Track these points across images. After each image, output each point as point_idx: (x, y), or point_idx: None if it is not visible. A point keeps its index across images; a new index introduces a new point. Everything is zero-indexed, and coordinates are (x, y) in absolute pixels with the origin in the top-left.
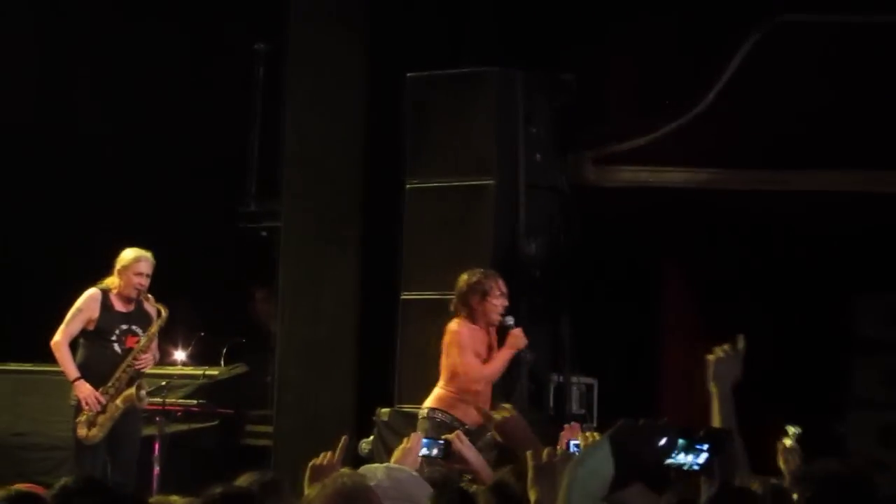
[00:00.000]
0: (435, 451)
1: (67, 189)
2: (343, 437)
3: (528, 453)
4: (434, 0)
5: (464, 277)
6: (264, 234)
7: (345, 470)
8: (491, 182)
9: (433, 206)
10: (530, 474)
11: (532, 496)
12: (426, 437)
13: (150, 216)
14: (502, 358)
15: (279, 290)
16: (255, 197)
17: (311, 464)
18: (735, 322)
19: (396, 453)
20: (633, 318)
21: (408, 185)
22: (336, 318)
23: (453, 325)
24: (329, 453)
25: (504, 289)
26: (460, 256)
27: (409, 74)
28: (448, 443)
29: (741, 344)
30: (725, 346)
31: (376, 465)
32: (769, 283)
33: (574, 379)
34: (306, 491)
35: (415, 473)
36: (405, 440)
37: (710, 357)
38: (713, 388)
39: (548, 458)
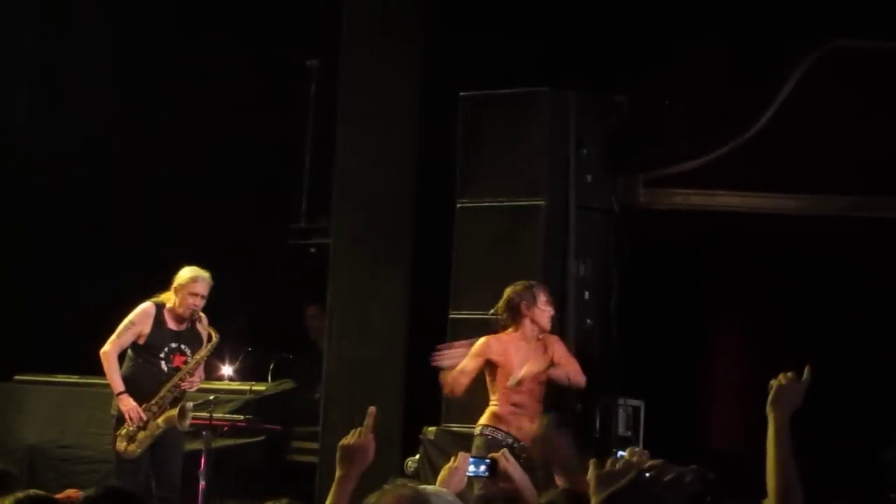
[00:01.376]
0: (482, 470)
1: (121, 204)
2: (371, 409)
3: (591, 461)
4: (489, 20)
5: (508, 290)
6: (313, 250)
7: (403, 480)
8: (542, 202)
9: (483, 225)
10: (592, 484)
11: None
12: (473, 457)
13: (201, 231)
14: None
15: (328, 307)
16: (305, 214)
17: (340, 444)
18: (783, 346)
19: (443, 472)
20: (682, 341)
21: (458, 204)
22: (385, 336)
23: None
24: (358, 430)
25: (548, 296)
26: (510, 276)
27: (461, 93)
28: (495, 461)
29: (807, 374)
30: (790, 374)
31: (427, 485)
32: (817, 307)
33: (621, 400)
34: (338, 472)
35: (455, 499)
36: (452, 459)
37: (774, 382)
38: (770, 414)
39: (610, 467)
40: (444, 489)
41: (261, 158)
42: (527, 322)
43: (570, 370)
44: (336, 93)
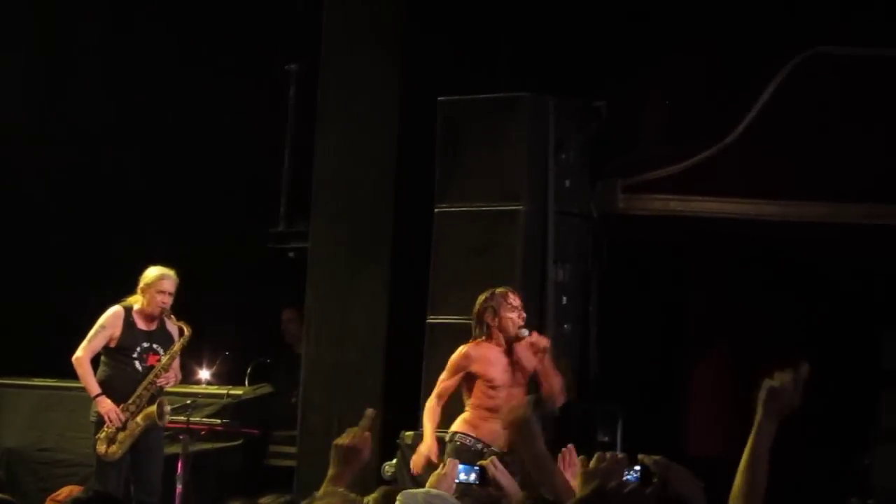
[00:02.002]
0: (472, 477)
1: (95, 208)
2: (369, 410)
3: (580, 458)
4: (468, 25)
5: (479, 299)
6: (292, 254)
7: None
8: (520, 207)
9: (462, 230)
10: (579, 479)
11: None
12: (462, 463)
13: (179, 235)
14: (426, 432)
15: (306, 311)
16: (284, 217)
17: (335, 443)
18: (762, 351)
19: (432, 478)
20: (660, 347)
21: (437, 209)
22: (363, 340)
23: (462, 346)
24: (354, 429)
25: (517, 302)
26: (488, 281)
27: (440, 98)
28: (484, 469)
29: (804, 370)
30: (786, 375)
31: (416, 489)
32: (797, 314)
33: (599, 406)
34: (330, 471)
35: (454, 499)
36: (441, 465)
37: (767, 382)
38: (759, 412)
39: (597, 464)
40: (443, 491)
41: (240, 162)
42: (495, 331)
43: (553, 387)
44: (315, 97)
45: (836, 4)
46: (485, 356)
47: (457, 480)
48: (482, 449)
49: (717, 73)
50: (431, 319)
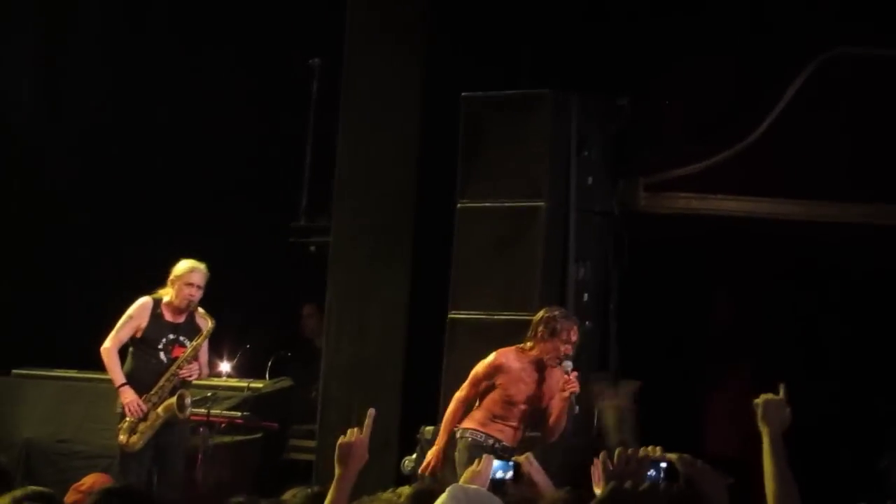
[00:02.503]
0: (507, 474)
1: (119, 199)
2: (370, 411)
3: (602, 454)
4: (491, 20)
5: (544, 308)
6: (313, 248)
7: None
8: (542, 204)
9: (484, 226)
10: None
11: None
12: (497, 460)
13: (201, 228)
14: (440, 438)
15: (327, 306)
16: (305, 212)
17: (339, 442)
18: (782, 350)
19: (466, 475)
20: (680, 345)
21: (459, 205)
22: (383, 335)
23: (496, 353)
24: (356, 429)
25: (574, 337)
26: (509, 278)
27: (463, 94)
28: (518, 465)
29: (782, 392)
30: (769, 395)
31: (466, 485)
32: (816, 312)
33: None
34: (337, 471)
35: (486, 491)
36: (476, 462)
37: (758, 400)
38: (763, 429)
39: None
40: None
41: (262, 156)
42: (539, 347)
43: (558, 426)
44: (338, 91)
45: (858, 4)
46: (514, 371)
47: (492, 477)
48: (493, 444)
49: (739, 71)
50: (452, 315)
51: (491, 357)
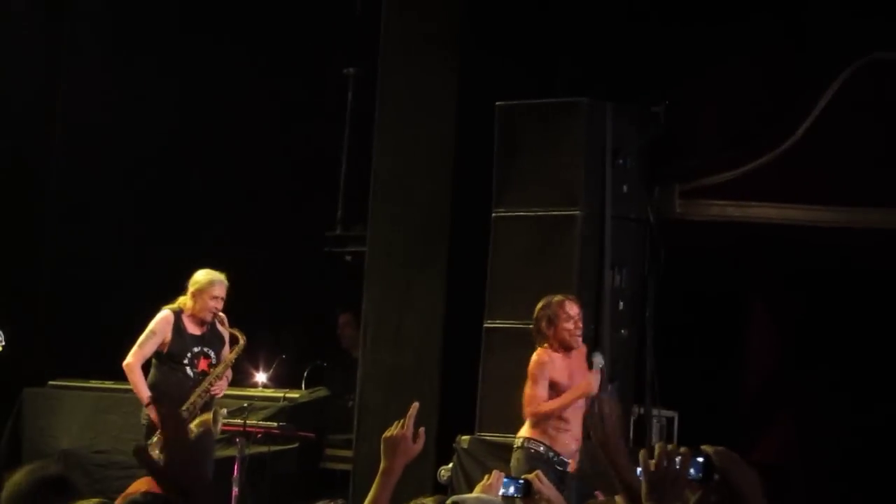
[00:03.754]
0: (515, 490)
1: (156, 211)
2: (413, 405)
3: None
4: (526, 30)
5: (537, 306)
6: (349, 258)
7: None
8: (577, 213)
9: (519, 235)
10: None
11: None
12: (507, 476)
13: (237, 238)
14: (563, 400)
15: (363, 314)
16: (341, 221)
17: (384, 437)
18: (818, 358)
19: (477, 489)
20: (716, 353)
21: (494, 214)
22: (419, 344)
23: (535, 353)
24: (400, 422)
25: (574, 311)
26: (545, 286)
27: (498, 103)
28: (529, 482)
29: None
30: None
31: (466, 495)
32: (852, 318)
33: (655, 412)
34: (382, 464)
35: (487, 497)
36: (486, 476)
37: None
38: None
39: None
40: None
41: (297, 166)
42: (551, 341)
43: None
44: (373, 101)
45: (893, 10)
46: (556, 366)
47: (501, 492)
48: (553, 457)
49: (774, 78)
50: (488, 324)
51: (534, 356)
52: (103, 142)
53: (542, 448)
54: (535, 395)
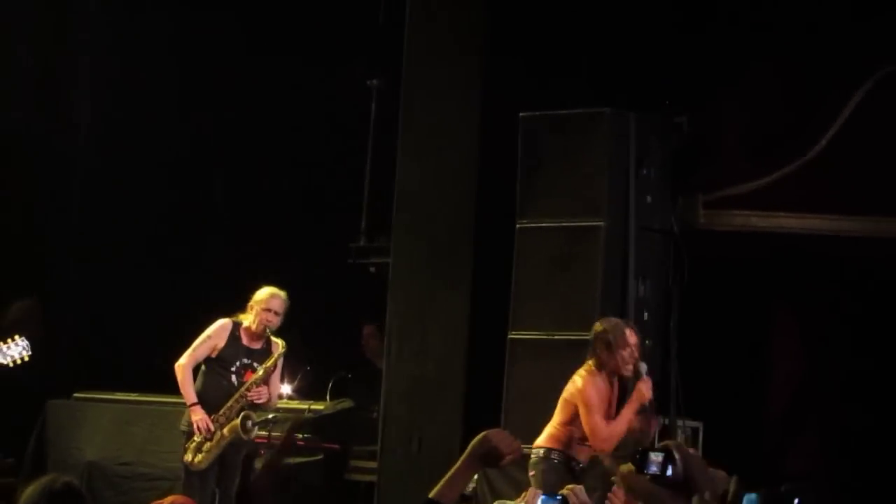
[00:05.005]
0: None
1: (182, 224)
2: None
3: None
4: (549, 41)
5: (596, 325)
6: (372, 269)
7: None
8: (601, 223)
9: (543, 245)
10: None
11: None
12: (544, 494)
13: (260, 249)
14: (626, 415)
15: (387, 326)
16: (364, 232)
17: (486, 434)
18: (843, 368)
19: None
20: (741, 363)
21: (518, 225)
22: (443, 355)
23: (579, 379)
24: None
25: (633, 340)
26: (569, 297)
27: (522, 113)
28: (565, 499)
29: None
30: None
31: (505, 501)
32: (876, 328)
33: (680, 422)
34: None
35: None
36: (521, 495)
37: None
38: None
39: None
40: None
41: (321, 176)
42: (604, 364)
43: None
44: (396, 112)
45: None
46: (599, 390)
47: None
48: (575, 467)
49: (798, 88)
50: (512, 335)
51: (578, 382)
52: (127, 156)
53: (562, 457)
54: (596, 424)
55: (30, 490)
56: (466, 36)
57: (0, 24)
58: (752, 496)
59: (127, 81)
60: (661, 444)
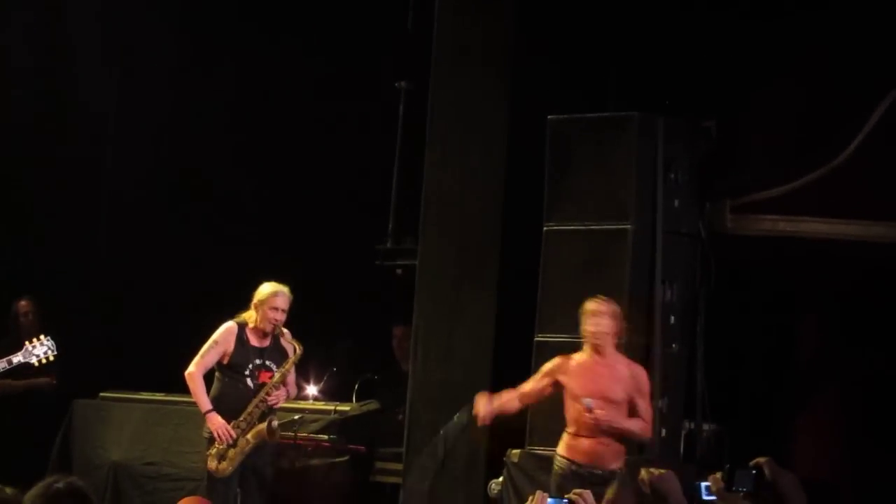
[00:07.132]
0: None
1: (208, 224)
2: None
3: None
4: (577, 44)
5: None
6: (399, 271)
7: None
8: (629, 227)
9: (570, 249)
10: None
11: None
12: (551, 497)
13: (287, 251)
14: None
15: (413, 328)
16: (392, 234)
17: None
18: (867, 374)
19: None
20: (767, 368)
21: (545, 228)
22: (470, 358)
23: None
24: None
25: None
26: None
27: (549, 117)
28: (572, 502)
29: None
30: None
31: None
32: None
33: (705, 426)
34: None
35: None
36: (529, 498)
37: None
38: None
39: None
40: None
41: (348, 179)
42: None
43: (642, 422)
44: (425, 114)
45: None
46: (575, 369)
47: None
48: (582, 472)
49: (826, 94)
50: (539, 338)
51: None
52: (156, 156)
53: (573, 467)
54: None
55: (33, 491)
56: (494, 39)
57: (0, 23)
58: None
59: (158, 86)
60: (753, 461)
